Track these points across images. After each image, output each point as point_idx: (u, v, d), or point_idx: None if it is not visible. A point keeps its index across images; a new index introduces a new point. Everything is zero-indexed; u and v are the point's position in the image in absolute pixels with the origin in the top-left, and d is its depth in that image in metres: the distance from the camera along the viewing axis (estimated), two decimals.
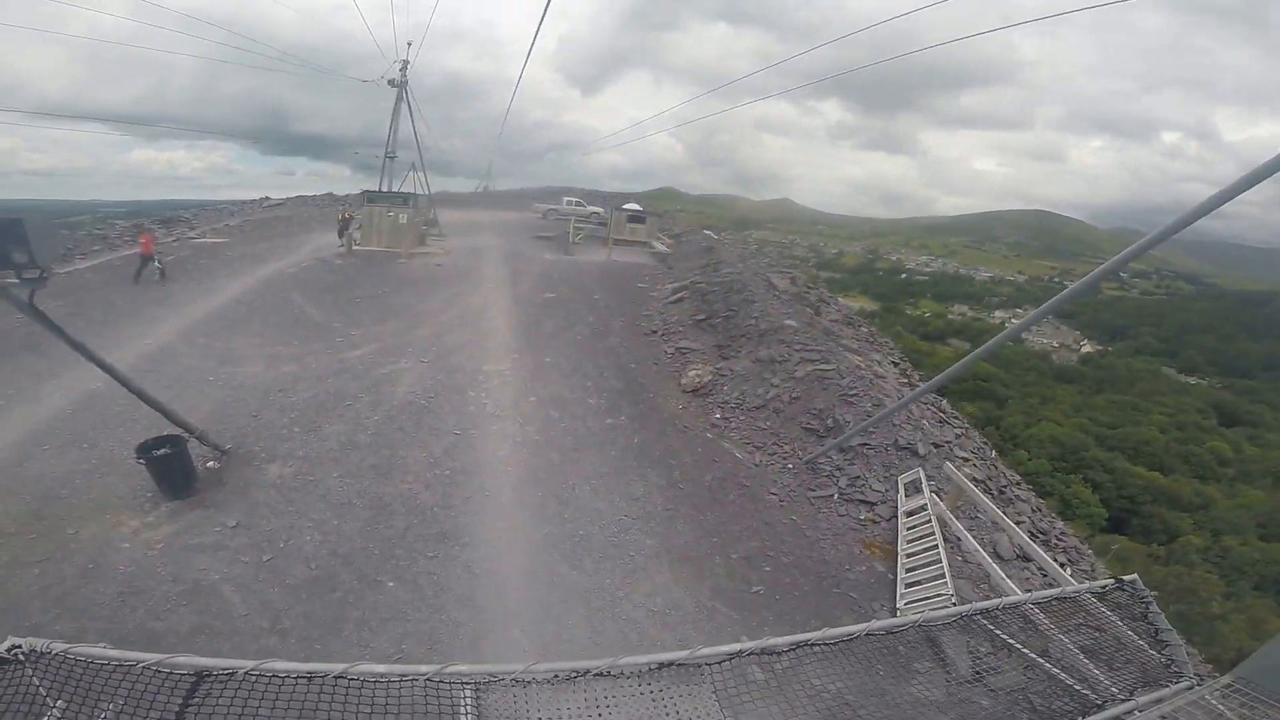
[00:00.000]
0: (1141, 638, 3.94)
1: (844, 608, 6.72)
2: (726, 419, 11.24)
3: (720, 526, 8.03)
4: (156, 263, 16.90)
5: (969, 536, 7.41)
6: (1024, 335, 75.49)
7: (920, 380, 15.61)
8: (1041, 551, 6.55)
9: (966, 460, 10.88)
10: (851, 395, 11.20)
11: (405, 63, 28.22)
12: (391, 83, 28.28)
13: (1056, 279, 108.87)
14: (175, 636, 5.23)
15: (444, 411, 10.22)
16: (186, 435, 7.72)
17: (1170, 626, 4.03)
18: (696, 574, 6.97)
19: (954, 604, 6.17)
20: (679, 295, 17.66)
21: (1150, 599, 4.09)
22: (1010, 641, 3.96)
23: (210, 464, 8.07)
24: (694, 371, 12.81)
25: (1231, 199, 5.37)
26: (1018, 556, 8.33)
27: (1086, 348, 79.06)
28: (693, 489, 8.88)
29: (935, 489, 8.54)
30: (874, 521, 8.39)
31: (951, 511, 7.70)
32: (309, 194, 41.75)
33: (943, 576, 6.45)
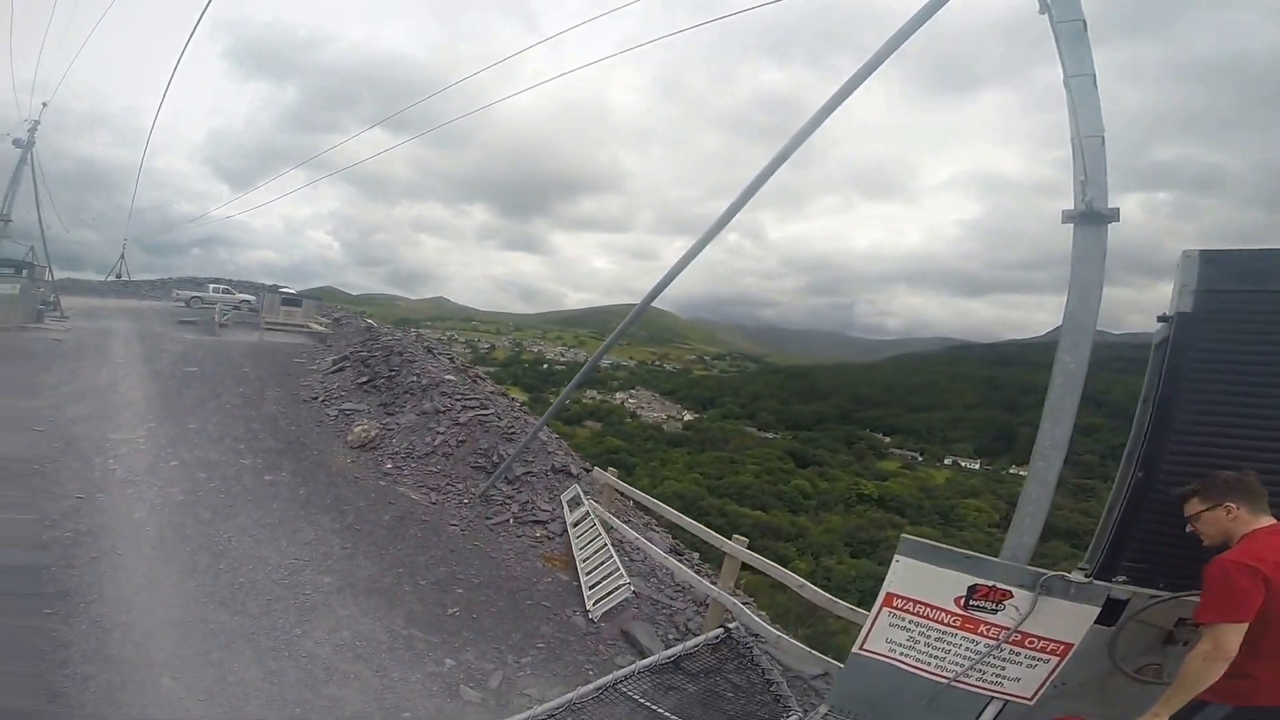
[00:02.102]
0: (754, 679, 4.24)
1: (540, 617, 7.26)
2: (398, 467, 11.36)
3: (405, 558, 8.12)
4: None
5: (627, 529, 9.12)
6: (638, 410, 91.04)
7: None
8: (679, 563, 7.94)
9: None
10: (511, 433, 12.51)
11: (35, 123, 26.49)
12: (16, 142, 26.19)
13: (658, 362, 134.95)
14: None
15: (61, 477, 8.17)
16: None
17: (772, 665, 4.40)
18: (386, 603, 6.94)
19: (632, 592, 7.49)
20: (339, 366, 17.02)
21: (751, 642, 4.42)
22: (648, 705, 4.06)
23: None
24: (360, 428, 12.58)
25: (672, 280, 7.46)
26: (671, 551, 10.46)
27: (688, 416, 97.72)
28: (370, 529, 8.81)
29: (593, 499, 10.24)
30: (549, 538, 9.46)
31: (610, 512, 9.40)
32: None
33: (617, 570, 7.57)
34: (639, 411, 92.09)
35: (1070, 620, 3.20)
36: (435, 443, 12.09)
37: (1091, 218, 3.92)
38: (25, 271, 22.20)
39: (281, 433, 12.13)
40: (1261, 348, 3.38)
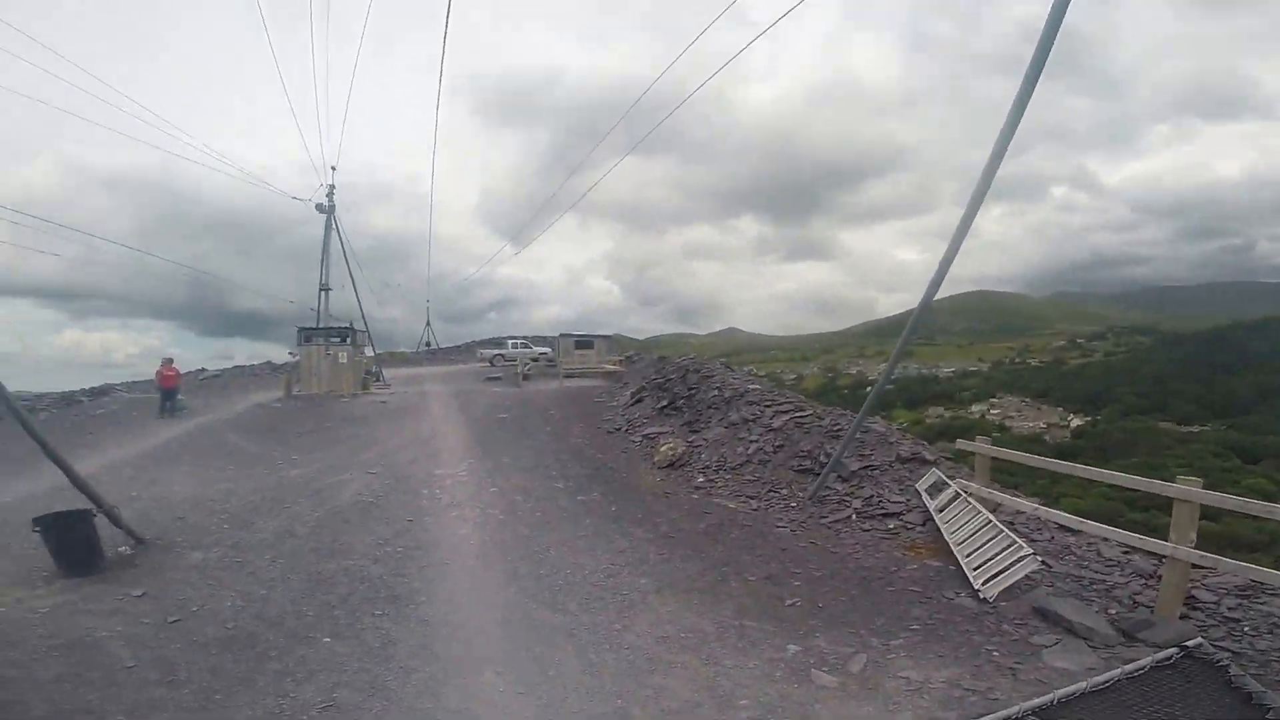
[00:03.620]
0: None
1: (909, 601, 5.81)
2: (710, 480, 10.48)
3: (728, 558, 7.09)
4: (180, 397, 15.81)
5: (1021, 499, 6.69)
6: (1005, 422, 73.84)
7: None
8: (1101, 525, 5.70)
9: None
10: (837, 431, 10.62)
11: (332, 186, 28.40)
12: (319, 207, 28.02)
13: (1018, 359, 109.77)
14: (30, 682, 4.19)
15: (393, 506, 9.25)
16: (95, 511, 6.77)
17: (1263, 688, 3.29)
18: (711, 599, 5.99)
19: (1040, 563, 5.35)
20: (638, 397, 17.32)
21: (1226, 661, 3.43)
22: None
23: (122, 549, 7.03)
24: (666, 447, 12.13)
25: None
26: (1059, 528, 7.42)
27: (1075, 421, 76.14)
28: (686, 536, 7.93)
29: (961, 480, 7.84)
30: (906, 528, 7.62)
31: (989, 487, 6.99)
32: (245, 363, 41.27)
33: (1012, 542, 5.67)
34: (1007, 423, 73.72)
35: None
36: (749, 452, 10.96)
37: None
38: (349, 339, 24.17)
39: (589, 461, 12.35)
40: None
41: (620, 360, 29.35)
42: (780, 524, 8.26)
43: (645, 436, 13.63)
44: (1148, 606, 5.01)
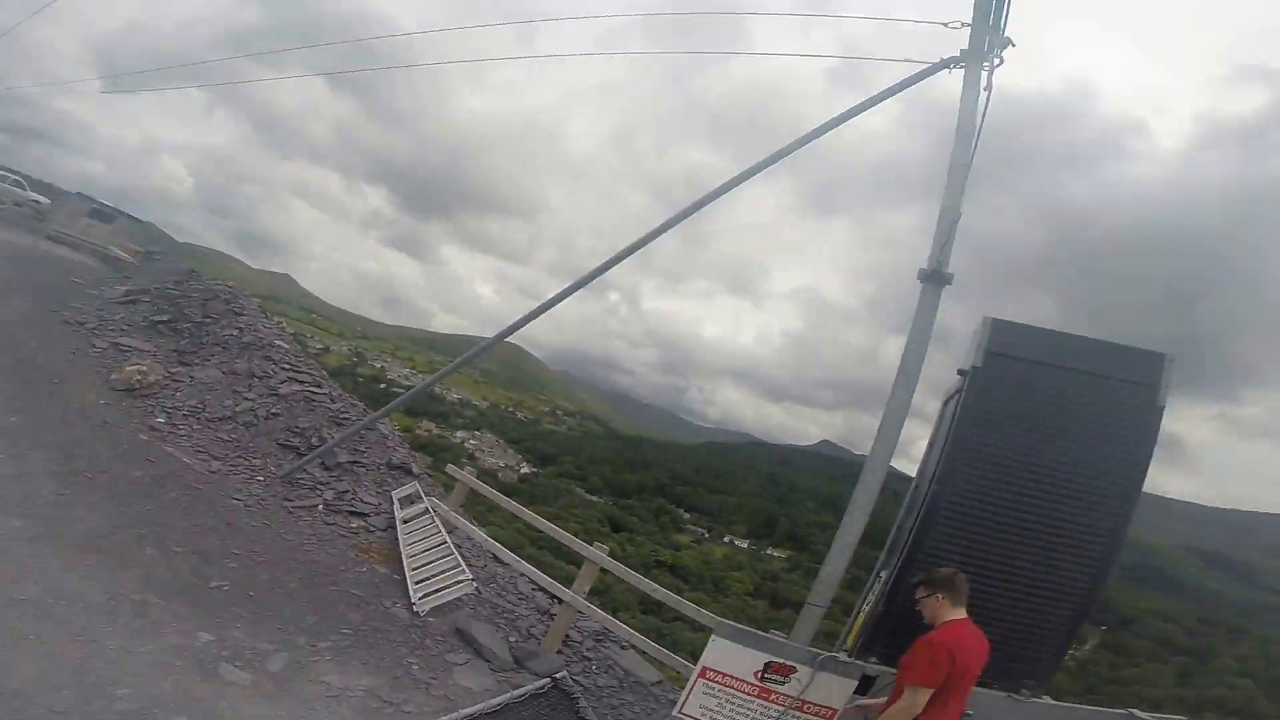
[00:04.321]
0: None
1: (348, 604, 5.78)
2: (174, 425, 8.80)
3: (155, 519, 5.97)
4: None
5: (474, 529, 7.61)
6: (477, 453, 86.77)
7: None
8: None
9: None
10: (344, 418, 10.33)
11: None
12: None
13: (511, 409, 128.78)
14: None
15: None
16: None
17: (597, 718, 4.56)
18: (113, 562, 4.95)
19: (475, 588, 6.14)
20: (133, 298, 13.60)
21: (578, 694, 4.39)
22: None
23: None
24: (134, 367, 9.79)
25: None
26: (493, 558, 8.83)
27: (525, 469, 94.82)
28: (110, 482, 6.46)
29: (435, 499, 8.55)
30: (368, 530, 7.64)
31: (456, 511, 7.77)
32: None
33: (457, 565, 6.31)
34: (477, 454, 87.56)
35: (837, 690, 4.01)
36: (238, 408, 9.65)
37: (936, 278, 4.84)
38: None
39: (12, 347, 9.07)
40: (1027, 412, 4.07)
41: (137, 252, 22.79)
42: (237, 496, 7.39)
43: (115, 345, 10.59)
44: (537, 638, 6.31)
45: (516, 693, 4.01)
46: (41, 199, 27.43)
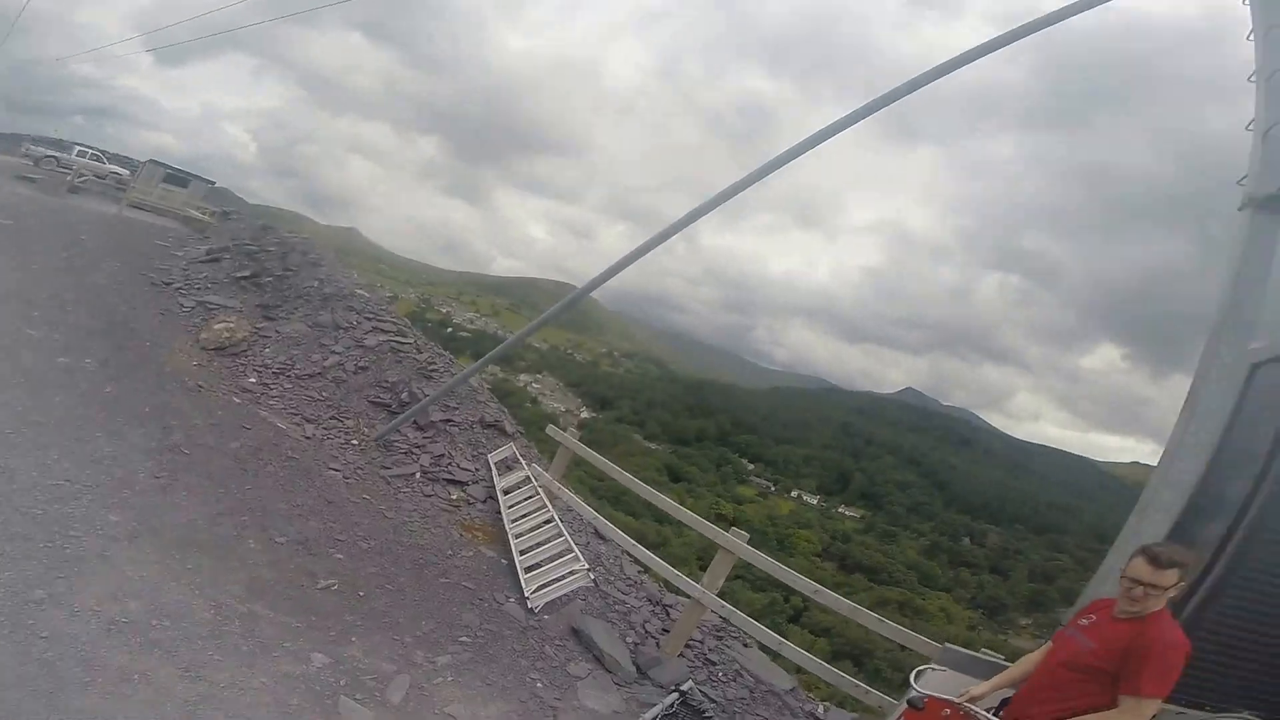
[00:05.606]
0: None
1: (461, 600, 5.15)
2: (265, 385, 8.47)
3: (257, 502, 5.49)
4: None
5: (584, 506, 6.96)
6: (540, 397, 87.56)
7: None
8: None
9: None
10: (432, 370, 9.83)
11: None
12: None
13: (571, 350, 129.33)
14: None
15: None
16: None
17: None
18: (216, 564, 4.41)
19: (591, 579, 5.46)
20: (216, 256, 13.48)
21: (710, 712, 4.00)
22: None
23: None
24: (221, 325, 9.49)
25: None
26: (594, 534, 8.26)
27: (585, 413, 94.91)
28: (206, 456, 6.04)
29: (531, 464, 7.95)
30: (467, 502, 7.09)
31: (560, 482, 7.17)
32: None
33: (570, 552, 5.63)
34: (540, 398, 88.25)
35: None
36: (326, 363, 9.25)
37: (1274, 203, 3.81)
38: None
39: (104, 311, 8.87)
40: None
41: (214, 213, 23.24)
42: (335, 465, 6.97)
43: (201, 303, 10.37)
44: (655, 638, 5.62)
45: (648, 715, 3.63)
46: (121, 170, 29.00)
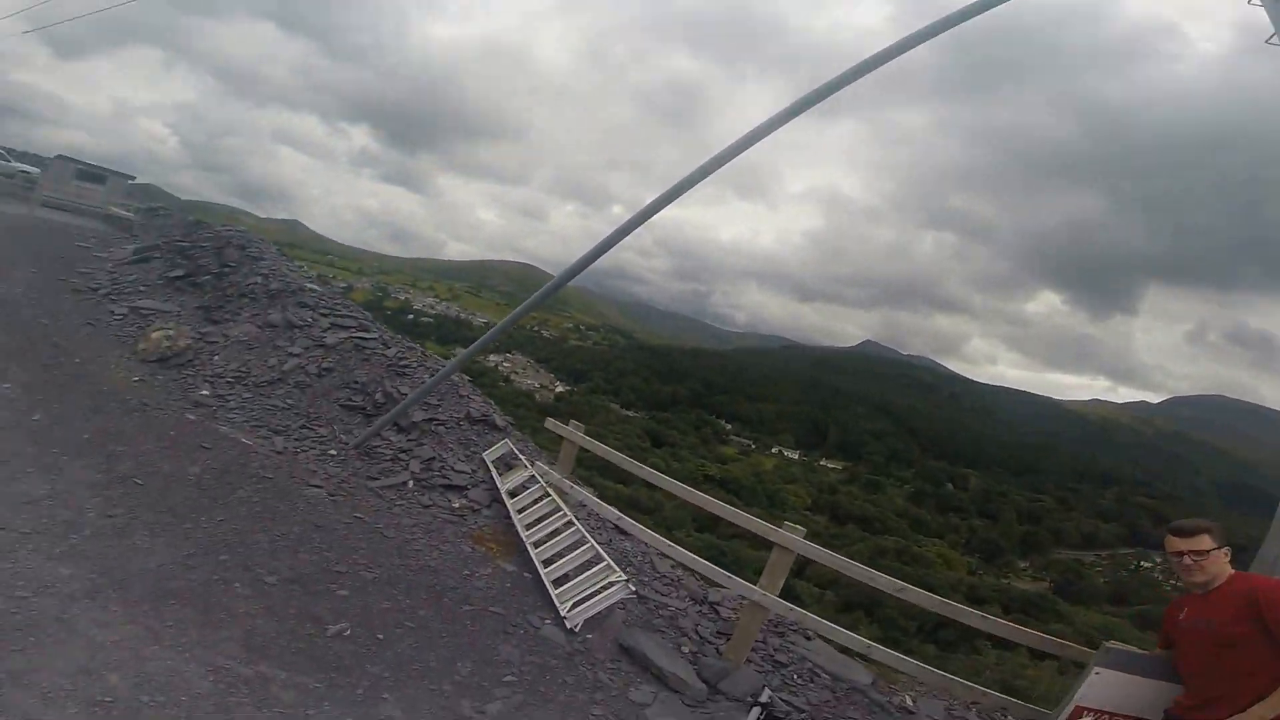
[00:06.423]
0: None
1: (493, 629, 4.47)
2: (221, 397, 7.59)
3: (230, 535, 4.72)
4: None
5: (604, 505, 6.35)
6: (512, 375, 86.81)
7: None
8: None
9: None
10: (404, 366, 9.02)
11: None
12: None
13: (537, 327, 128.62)
14: None
15: None
16: None
17: None
18: (200, 616, 3.69)
19: (631, 590, 4.87)
20: (145, 255, 12.22)
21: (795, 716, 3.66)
22: None
23: None
24: (160, 333, 8.49)
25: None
26: (616, 530, 7.73)
27: (560, 388, 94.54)
28: (164, 486, 5.23)
29: (533, 460, 7.33)
30: (472, 509, 6.39)
31: (568, 478, 6.57)
32: None
33: (601, 560, 5.05)
34: (512, 377, 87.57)
35: None
36: (285, 366, 8.39)
37: None
38: None
39: (21, 326, 7.79)
40: None
41: (137, 209, 21.83)
42: (315, 481, 6.20)
43: (134, 310, 9.29)
44: (712, 642, 5.11)
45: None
46: (29, 168, 27.29)
